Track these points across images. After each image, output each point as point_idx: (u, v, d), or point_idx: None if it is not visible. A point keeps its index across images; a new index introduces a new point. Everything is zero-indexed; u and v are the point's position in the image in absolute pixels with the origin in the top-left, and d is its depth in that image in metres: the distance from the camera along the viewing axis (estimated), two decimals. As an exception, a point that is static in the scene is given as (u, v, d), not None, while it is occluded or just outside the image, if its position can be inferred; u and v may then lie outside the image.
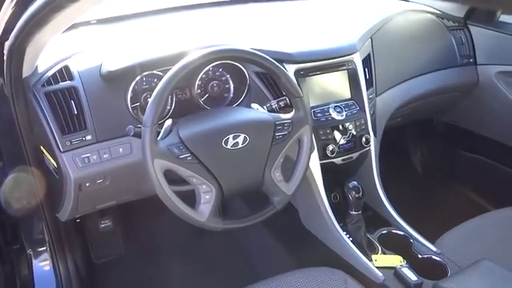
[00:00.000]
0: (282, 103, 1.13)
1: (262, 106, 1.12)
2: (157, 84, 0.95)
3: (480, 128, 1.75)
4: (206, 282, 1.54)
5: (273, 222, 1.08)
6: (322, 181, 1.26)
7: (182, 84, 1.15)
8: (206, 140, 0.97)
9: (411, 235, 1.25)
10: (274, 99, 1.16)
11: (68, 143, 1.02)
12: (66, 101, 1.03)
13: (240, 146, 0.98)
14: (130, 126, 0.96)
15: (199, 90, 1.20)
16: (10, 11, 0.84)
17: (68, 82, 1.04)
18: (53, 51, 1.07)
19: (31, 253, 1.29)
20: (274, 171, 1.02)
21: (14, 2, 0.82)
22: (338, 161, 1.27)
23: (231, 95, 1.24)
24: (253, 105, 1.12)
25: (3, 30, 0.88)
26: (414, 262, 1.14)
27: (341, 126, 1.27)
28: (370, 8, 1.60)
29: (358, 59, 1.31)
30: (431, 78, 1.56)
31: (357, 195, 1.19)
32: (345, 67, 1.29)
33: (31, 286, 1.26)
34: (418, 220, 1.34)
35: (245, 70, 1.21)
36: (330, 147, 1.24)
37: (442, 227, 1.20)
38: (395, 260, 1.14)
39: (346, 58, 1.29)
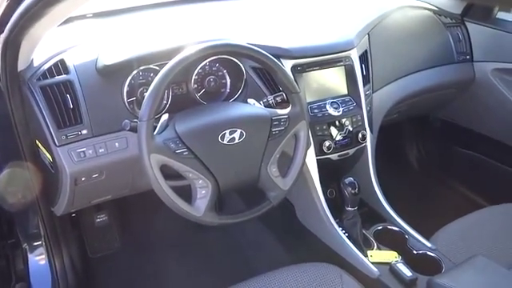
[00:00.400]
0: (278, 99, 1.12)
1: (258, 101, 1.12)
2: (153, 78, 0.95)
3: (476, 125, 1.75)
4: (202, 276, 1.54)
5: (269, 217, 1.08)
6: (318, 176, 1.27)
7: (178, 79, 1.15)
8: (202, 135, 0.97)
9: (406, 231, 1.26)
10: (271, 94, 1.16)
11: (64, 137, 1.01)
12: (61, 95, 1.02)
13: (236, 141, 0.98)
14: (126, 121, 0.96)
15: (196, 85, 1.19)
16: (4, 4, 0.83)
17: (64, 75, 1.03)
18: (48, 45, 1.06)
19: (27, 247, 1.29)
20: (271, 166, 1.02)
21: (8, -5, 0.81)
22: (334, 157, 1.28)
23: (228, 90, 1.23)
24: (249, 100, 1.12)
25: (-2, 23, 0.88)
26: (409, 258, 1.15)
27: (337, 122, 1.27)
28: (367, 4, 1.59)
29: (355, 55, 1.31)
30: (428, 74, 1.57)
31: (353, 191, 1.20)
32: (342, 63, 1.29)
33: (26, 280, 1.26)
34: (414, 216, 1.35)
35: (241, 65, 1.20)
36: (327, 143, 1.24)
37: (437, 223, 1.21)
38: (390, 256, 1.15)
39: (343, 53, 1.29)
